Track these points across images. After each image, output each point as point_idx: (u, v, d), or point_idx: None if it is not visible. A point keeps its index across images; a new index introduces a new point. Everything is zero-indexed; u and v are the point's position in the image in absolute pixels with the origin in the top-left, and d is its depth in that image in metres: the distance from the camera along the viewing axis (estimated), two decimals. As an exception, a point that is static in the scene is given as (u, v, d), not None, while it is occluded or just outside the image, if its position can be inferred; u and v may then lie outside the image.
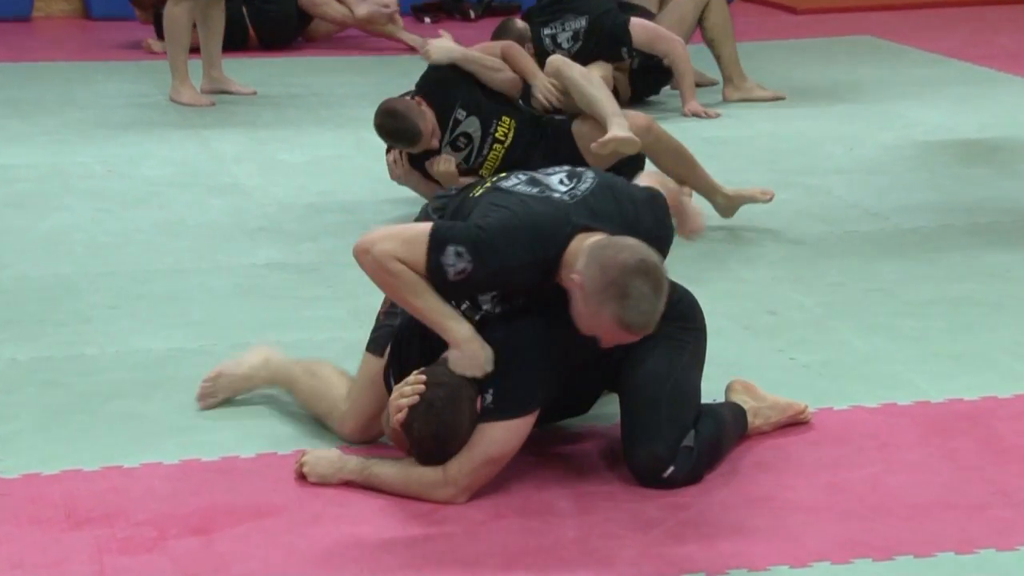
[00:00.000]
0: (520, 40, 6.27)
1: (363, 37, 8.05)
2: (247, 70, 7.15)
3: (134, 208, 5.18)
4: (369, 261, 3.00)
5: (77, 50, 7.91)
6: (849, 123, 6.49)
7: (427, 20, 8.72)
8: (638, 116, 4.80)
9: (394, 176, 5.02)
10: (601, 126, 4.70)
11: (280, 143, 6.07)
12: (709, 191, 4.93)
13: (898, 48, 8.15)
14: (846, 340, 3.99)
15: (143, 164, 5.74)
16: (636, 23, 6.44)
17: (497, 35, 6.33)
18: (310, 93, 6.92)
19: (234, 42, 7.37)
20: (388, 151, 5.01)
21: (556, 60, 4.97)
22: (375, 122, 4.82)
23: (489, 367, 2.98)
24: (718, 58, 6.80)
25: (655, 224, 3.13)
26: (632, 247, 2.91)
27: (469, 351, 2.98)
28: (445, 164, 4.84)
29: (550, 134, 4.87)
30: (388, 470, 3.03)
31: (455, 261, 2.96)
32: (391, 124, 4.79)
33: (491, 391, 2.98)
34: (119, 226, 4.96)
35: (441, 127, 4.81)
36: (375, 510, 2.97)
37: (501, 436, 2.98)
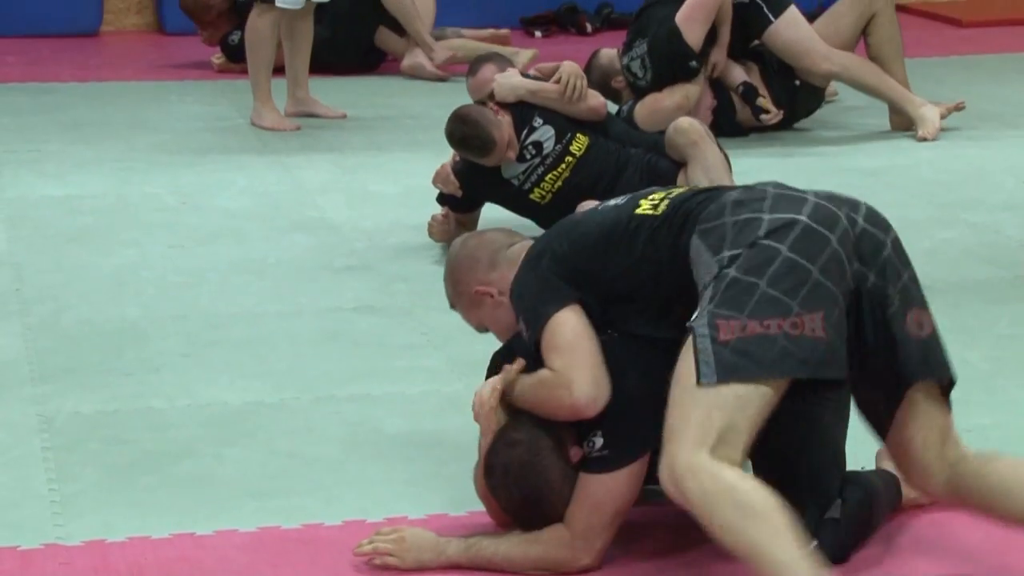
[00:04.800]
0: (607, 75, 6.23)
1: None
2: (335, 91, 7.25)
3: (209, 244, 5.27)
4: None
5: (149, 68, 8.07)
6: (1023, 151, 6.41)
7: (538, 34, 8.76)
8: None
9: (434, 233, 5.06)
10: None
11: (371, 171, 6.14)
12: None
13: (1080, 65, 8.03)
14: (1018, 401, 3.93)
15: (220, 195, 5.84)
16: (683, 16, 6.09)
17: (585, 69, 6.36)
18: (405, 115, 6.99)
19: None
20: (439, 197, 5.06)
21: (687, 126, 4.82)
22: (446, 129, 4.93)
23: None
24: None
25: None
26: None
27: None
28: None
29: (629, 164, 4.90)
30: (501, 544, 3.04)
31: None
32: (462, 130, 4.89)
33: (600, 436, 3.00)
34: (192, 264, 5.05)
35: (516, 133, 4.92)
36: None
37: (619, 486, 2.99)
